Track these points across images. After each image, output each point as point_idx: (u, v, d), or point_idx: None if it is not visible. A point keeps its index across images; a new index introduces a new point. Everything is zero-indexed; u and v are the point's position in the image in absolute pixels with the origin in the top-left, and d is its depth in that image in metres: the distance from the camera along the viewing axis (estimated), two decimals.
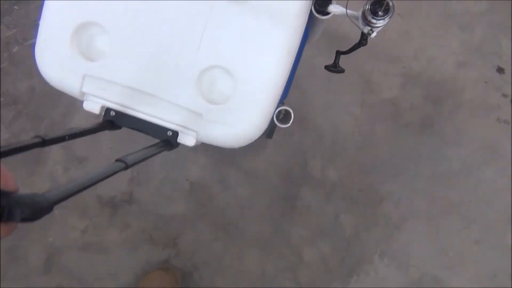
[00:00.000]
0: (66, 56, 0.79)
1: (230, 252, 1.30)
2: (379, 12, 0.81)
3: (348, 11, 0.89)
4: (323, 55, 1.46)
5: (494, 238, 1.33)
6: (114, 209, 1.32)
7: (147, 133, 0.76)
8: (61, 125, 1.38)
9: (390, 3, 0.81)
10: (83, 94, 0.79)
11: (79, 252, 1.31)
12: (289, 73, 0.84)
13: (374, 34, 0.89)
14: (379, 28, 0.88)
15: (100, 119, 0.80)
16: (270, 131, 1.29)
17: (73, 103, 1.37)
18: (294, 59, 0.84)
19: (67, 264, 1.31)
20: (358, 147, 1.41)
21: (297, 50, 0.83)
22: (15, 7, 1.46)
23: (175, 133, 0.76)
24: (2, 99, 1.39)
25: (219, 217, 1.33)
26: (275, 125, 1.28)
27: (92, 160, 1.35)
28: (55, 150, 1.35)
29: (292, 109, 1.43)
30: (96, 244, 1.31)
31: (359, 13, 0.84)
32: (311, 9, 0.88)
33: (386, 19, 0.81)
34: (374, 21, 0.80)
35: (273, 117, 0.82)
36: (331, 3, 0.88)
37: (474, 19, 1.58)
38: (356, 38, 0.85)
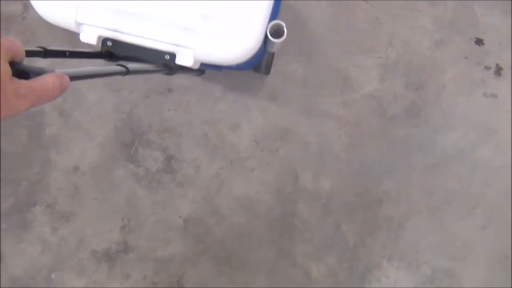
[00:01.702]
0: None
1: (237, 284, 1.30)
2: None
3: None
4: (297, 62, 1.42)
5: (500, 220, 1.33)
6: (111, 261, 1.31)
7: (145, 61, 0.80)
8: (40, 184, 1.35)
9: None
10: (78, 25, 0.82)
11: None
12: None
13: None
14: None
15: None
16: (266, 65, 1.34)
17: (48, 160, 1.34)
18: None
19: None
20: (347, 149, 1.40)
21: None
22: None
23: (173, 55, 0.82)
24: None
25: (219, 250, 1.32)
26: (272, 59, 1.28)
27: (79, 215, 1.33)
28: (39, 212, 1.32)
29: (273, 124, 1.41)
30: None
31: None
32: None
33: None
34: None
35: (266, 32, 0.88)
36: None
37: None
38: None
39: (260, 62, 1.34)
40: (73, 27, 0.82)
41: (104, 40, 0.81)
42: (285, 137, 1.42)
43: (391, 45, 1.50)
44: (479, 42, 1.51)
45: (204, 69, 1.26)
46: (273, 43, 0.90)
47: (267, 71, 1.38)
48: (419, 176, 1.40)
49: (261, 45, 1.09)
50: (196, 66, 0.87)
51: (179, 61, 0.82)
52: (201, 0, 0.82)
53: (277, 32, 0.90)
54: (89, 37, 0.81)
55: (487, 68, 1.48)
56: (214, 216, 1.35)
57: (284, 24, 0.88)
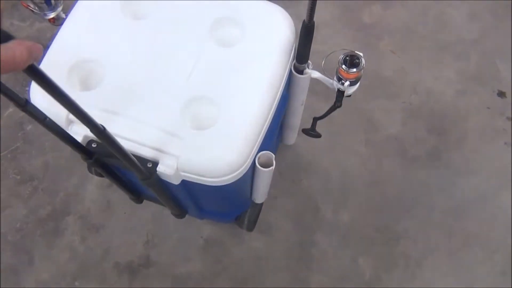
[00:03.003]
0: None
1: None
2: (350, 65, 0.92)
3: (320, 74, 0.99)
4: (322, 101, 1.53)
5: None
6: (132, 274, 1.38)
7: (127, 167, 0.82)
8: (76, 196, 1.46)
9: (360, 57, 0.91)
10: (69, 121, 0.89)
11: None
12: (273, 108, 0.93)
13: (347, 88, 0.96)
14: (349, 86, 0.95)
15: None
16: (249, 222, 1.33)
17: (86, 173, 1.46)
18: (277, 95, 0.96)
19: None
20: (368, 185, 1.47)
21: (280, 88, 0.96)
22: (27, 88, 1.59)
23: (155, 164, 0.86)
24: (18, 177, 1.49)
25: (236, 272, 1.37)
26: (257, 212, 1.33)
27: (108, 227, 1.43)
28: (71, 221, 1.43)
29: (297, 155, 1.49)
30: None
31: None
32: (290, 69, 0.99)
33: (358, 68, 0.90)
34: (346, 72, 0.89)
35: (254, 160, 0.94)
36: (307, 65, 0.99)
37: (467, 47, 1.66)
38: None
39: (243, 216, 1.32)
40: (63, 124, 0.87)
41: (89, 142, 0.87)
42: (309, 169, 1.50)
43: (415, 92, 1.60)
44: (501, 94, 1.59)
45: (186, 212, 1.25)
46: (260, 172, 0.98)
47: (251, 226, 1.35)
48: (439, 217, 1.43)
49: (248, 196, 1.18)
50: (177, 180, 0.89)
51: (161, 168, 0.84)
52: (195, 111, 0.87)
53: (266, 163, 0.97)
54: (76, 136, 0.85)
55: (509, 119, 1.54)
56: (234, 238, 1.42)
57: (273, 156, 0.96)
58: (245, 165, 0.92)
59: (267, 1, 1.02)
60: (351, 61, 0.94)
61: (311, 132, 1.22)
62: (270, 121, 0.98)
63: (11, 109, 1.61)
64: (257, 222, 1.40)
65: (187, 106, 0.90)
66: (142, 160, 0.88)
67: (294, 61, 1.01)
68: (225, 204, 1.23)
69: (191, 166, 0.88)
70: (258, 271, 1.39)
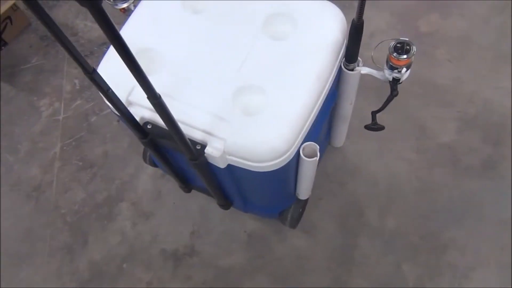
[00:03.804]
0: (121, 71, 0.96)
1: None
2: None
3: (370, 69, 1.01)
4: (373, 105, 1.54)
5: None
6: (177, 261, 1.44)
7: (177, 147, 0.89)
8: (130, 184, 1.55)
9: (410, 44, 0.92)
10: (128, 102, 0.99)
11: None
12: (319, 101, 0.99)
13: (403, 74, 0.97)
14: (405, 72, 0.97)
15: None
16: (292, 218, 1.35)
17: (141, 164, 1.55)
18: (325, 88, 1.00)
19: None
20: (416, 192, 1.45)
21: (328, 82, 1.00)
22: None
23: (204, 146, 0.93)
24: (80, 163, 1.62)
25: (276, 268, 1.40)
26: (301, 210, 1.34)
27: (157, 215, 1.50)
28: (124, 208, 1.52)
29: (345, 157, 1.50)
30: None
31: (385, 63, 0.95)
32: (340, 66, 1.02)
33: (409, 55, 0.91)
34: (397, 59, 0.91)
35: (299, 150, 0.98)
36: (357, 63, 1.02)
37: None
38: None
39: (287, 212, 1.35)
40: (124, 103, 0.92)
41: (145, 123, 0.96)
42: (354, 172, 1.51)
43: (471, 102, 1.57)
44: None
45: (231, 203, 1.29)
46: (304, 163, 1.02)
47: (293, 223, 1.37)
48: (490, 229, 1.39)
49: (292, 191, 1.21)
50: (223, 164, 0.95)
51: (208, 150, 0.91)
52: (244, 98, 0.94)
53: (310, 154, 1.01)
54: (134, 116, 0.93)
55: None
56: (277, 235, 1.44)
57: (318, 148, 0.99)
58: (289, 152, 0.96)
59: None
60: (402, 48, 0.96)
61: (372, 126, 1.24)
62: (316, 113, 1.01)
63: (79, 101, 1.76)
64: (301, 220, 1.42)
65: (237, 93, 0.96)
66: (192, 142, 0.95)
67: (344, 59, 1.05)
68: (269, 196, 1.27)
69: (237, 149, 0.94)
70: (298, 270, 1.41)
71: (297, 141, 0.97)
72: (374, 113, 1.19)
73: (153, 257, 1.48)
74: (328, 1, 1.06)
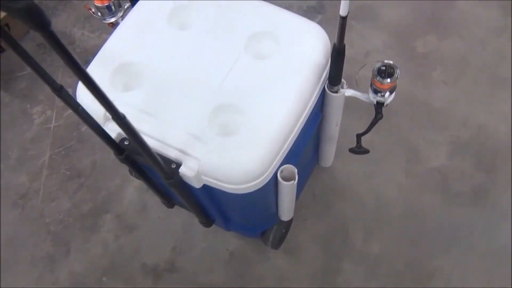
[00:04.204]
0: (101, 85, 0.96)
1: None
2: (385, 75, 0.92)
3: (354, 91, 1.00)
4: (365, 124, 1.52)
5: None
6: (156, 277, 1.43)
7: (150, 164, 0.88)
8: (116, 196, 1.55)
9: (394, 67, 0.91)
10: (106, 118, 0.98)
11: None
12: (299, 123, 0.98)
13: (387, 98, 0.96)
14: (389, 96, 0.95)
15: None
16: (273, 239, 1.33)
17: (128, 176, 1.55)
18: (305, 110, 0.98)
19: None
20: (404, 217, 1.43)
21: (309, 104, 0.99)
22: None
23: (179, 165, 0.91)
24: (68, 173, 1.61)
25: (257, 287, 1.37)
26: (284, 232, 1.32)
27: (141, 229, 1.50)
28: (109, 219, 1.51)
29: (333, 178, 1.48)
30: None
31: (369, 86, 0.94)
32: (324, 87, 1.00)
33: (392, 79, 0.90)
34: (381, 82, 0.94)
35: (276, 172, 0.96)
36: (341, 85, 1.00)
37: None
38: None
39: (269, 232, 1.33)
40: (101, 121, 0.96)
41: (122, 139, 0.95)
42: (343, 194, 1.48)
43: (465, 126, 1.55)
44: None
45: (212, 221, 1.27)
46: (282, 186, 1.00)
47: (275, 244, 1.35)
48: (478, 259, 1.35)
49: (273, 211, 1.19)
50: (199, 184, 0.94)
51: (183, 170, 0.90)
52: (222, 118, 0.93)
53: (288, 177, 0.99)
54: (111, 131, 0.93)
55: None
56: (259, 255, 1.42)
57: (296, 170, 0.97)
58: (264, 175, 0.94)
59: (306, 19, 1.06)
60: (386, 71, 0.95)
61: (357, 150, 1.22)
62: (296, 135, 1.00)
63: (70, 110, 1.76)
64: (284, 241, 1.40)
65: (215, 112, 0.95)
66: (167, 160, 0.94)
67: (327, 81, 1.03)
68: (249, 216, 1.25)
69: (211, 170, 0.92)
70: None
71: (273, 164, 0.95)
72: (359, 136, 1.17)
73: (133, 272, 1.46)
74: (313, 22, 1.05)
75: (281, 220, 1.32)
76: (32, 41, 1.92)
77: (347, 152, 1.40)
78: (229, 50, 1.01)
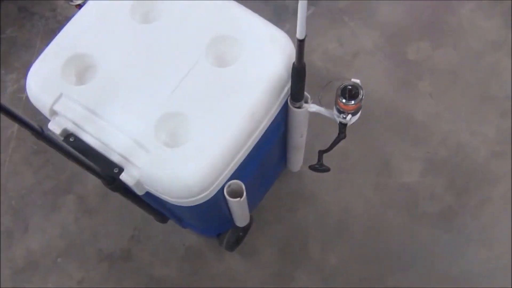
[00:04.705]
0: (53, 75, 0.95)
1: None
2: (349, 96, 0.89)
3: (319, 107, 0.95)
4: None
5: None
6: (111, 264, 1.44)
7: (94, 166, 0.87)
8: (80, 177, 1.53)
9: (359, 88, 0.86)
10: (52, 112, 0.94)
11: None
12: (253, 139, 0.94)
13: (349, 119, 0.92)
14: (352, 118, 0.91)
15: None
16: (227, 243, 1.32)
17: None
18: (258, 126, 0.94)
19: None
20: (366, 232, 1.41)
21: (266, 120, 0.95)
22: None
23: (121, 170, 0.88)
24: (35, 147, 1.59)
25: (209, 286, 1.36)
26: (239, 236, 1.30)
27: (101, 214, 1.49)
28: (70, 200, 1.50)
29: (300, 183, 1.45)
30: None
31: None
32: (286, 101, 0.95)
33: (356, 101, 0.89)
34: (344, 104, 0.89)
35: (223, 187, 0.93)
36: (305, 99, 0.95)
37: None
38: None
39: (224, 235, 1.32)
40: (47, 113, 0.93)
41: (68, 135, 0.91)
42: (309, 200, 1.46)
43: (443, 143, 1.50)
44: None
45: (166, 219, 1.27)
46: (229, 202, 0.96)
47: (230, 247, 1.35)
48: (436, 282, 1.33)
49: (227, 217, 1.14)
50: (141, 191, 0.92)
51: (123, 176, 0.87)
52: (169, 126, 0.89)
53: (236, 193, 0.95)
54: (56, 127, 0.91)
55: None
56: (215, 254, 1.42)
57: (243, 186, 0.92)
58: (207, 191, 0.91)
59: (275, 28, 1.00)
60: (350, 92, 0.89)
61: (317, 167, 1.18)
62: (249, 150, 0.96)
63: None
64: (242, 243, 1.39)
65: (163, 119, 0.91)
66: (111, 164, 0.90)
67: (289, 95, 0.98)
68: (201, 222, 1.23)
69: (151, 180, 0.89)
70: None
71: (218, 180, 0.91)
72: (320, 153, 1.13)
73: (89, 256, 1.46)
74: (281, 32, 0.99)
75: (235, 225, 1.30)
76: (14, 4, 1.86)
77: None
78: (190, 50, 0.95)
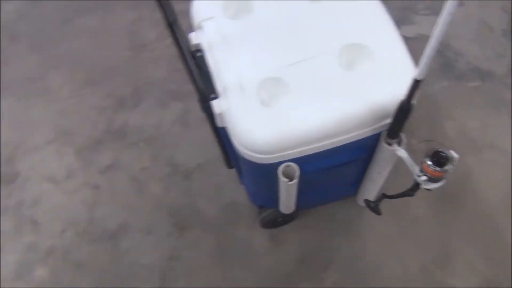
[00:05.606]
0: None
1: None
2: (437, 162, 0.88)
3: (407, 156, 0.96)
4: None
5: None
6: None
7: (201, 82, 0.98)
8: None
9: (450, 159, 0.88)
10: (199, 26, 1.09)
11: None
12: (326, 142, 0.99)
13: (425, 180, 0.93)
14: (429, 183, 0.89)
15: None
16: (263, 218, 1.38)
17: None
18: (341, 137, 0.99)
19: None
20: None
21: (348, 135, 0.99)
22: None
23: (216, 97, 1.01)
24: None
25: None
26: (280, 222, 1.42)
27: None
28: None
29: (358, 218, 1.42)
30: None
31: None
32: (381, 132, 0.97)
33: (442, 169, 0.88)
34: (429, 167, 0.88)
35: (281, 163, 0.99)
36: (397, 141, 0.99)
37: None
38: None
39: (265, 210, 1.41)
40: (195, 24, 1.08)
41: (197, 50, 1.06)
42: (353, 233, 1.45)
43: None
44: None
45: (232, 166, 1.33)
46: (280, 182, 1.00)
47: (264, 223, 1.45)
48: None
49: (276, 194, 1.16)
50: (221, 123, 1.03)
51: (214, 102, 1.00)
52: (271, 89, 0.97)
53: (289, 175, 0.99)
54: (194, 38, 1.07)
55: None
56: (248, 220, 1.50)
57: (298, 173, 0.95)
58: (267, 155, 0.98)
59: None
60: (440, 158, 0.88)
61: (371, 205, 1.18)
62: (320, 150, 1.00)
63: None
64: (277, 229, 1.46)
65: (271, 80, 1.00)
66: (213, 88, 1.03)
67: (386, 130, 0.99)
68: (252, 183, 1.29)
69: (231, 118, 0.99)
70: None
71: (280, 154, 0.98)
72: (383, 196, 1.13)
73: None
74: (410, 59, 1.00)
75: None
76: None
77: (386, 205, 1.32)
78: (327, 40, 1.03)
